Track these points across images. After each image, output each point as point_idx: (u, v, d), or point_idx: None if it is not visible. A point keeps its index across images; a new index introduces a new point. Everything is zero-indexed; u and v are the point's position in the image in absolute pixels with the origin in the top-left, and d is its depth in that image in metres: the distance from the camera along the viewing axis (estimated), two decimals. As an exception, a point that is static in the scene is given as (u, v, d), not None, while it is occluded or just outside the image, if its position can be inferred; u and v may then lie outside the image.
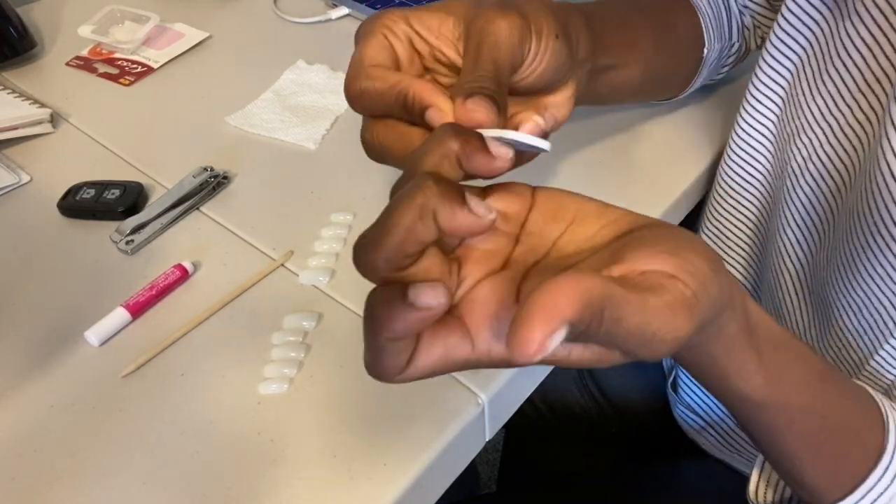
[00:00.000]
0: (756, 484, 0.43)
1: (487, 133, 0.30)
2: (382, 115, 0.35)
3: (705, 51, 0.56)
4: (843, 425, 0.36)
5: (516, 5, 0.35)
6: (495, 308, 0.28)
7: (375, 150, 0.36)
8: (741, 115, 0.53)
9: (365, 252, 0.26)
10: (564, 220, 0.31)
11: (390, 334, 0.26)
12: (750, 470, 0.44)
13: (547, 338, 0.22)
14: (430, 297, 0.26)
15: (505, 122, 0.32)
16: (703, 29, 0.56)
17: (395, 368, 0.27)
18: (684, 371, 0.65)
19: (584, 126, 0.61)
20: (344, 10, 0.77)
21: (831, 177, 0.47)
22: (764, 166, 0.53)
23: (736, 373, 0.31)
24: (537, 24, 0.35)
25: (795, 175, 0.49)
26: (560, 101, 0.38)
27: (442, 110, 0.32)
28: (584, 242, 0.30)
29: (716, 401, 0.64)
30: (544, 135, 0.35)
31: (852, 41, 0.43)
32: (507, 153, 0.29)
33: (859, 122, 0.44)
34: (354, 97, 0.35)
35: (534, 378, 0.48)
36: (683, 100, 0.62)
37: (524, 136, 0.30)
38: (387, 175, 0.57)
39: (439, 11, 0.37)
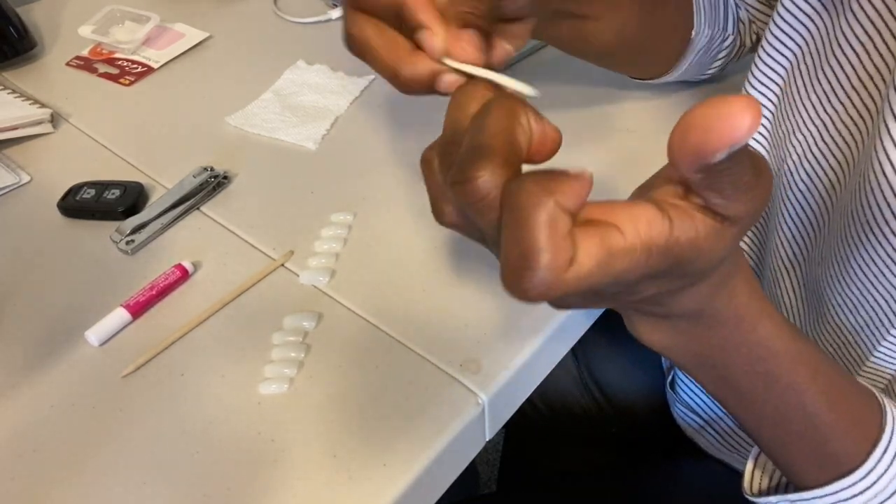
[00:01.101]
0: (751, 473, 0.44)
1: (475, 71, 0.31)
2: (371, 12, 0.34)
3: (693, 33, 0.56)
4: (856, 390, 0.37)
5: None
6: (622, 204, 0.26)
7: (358, 46, 0.35)
8: None
9: (533, 280, 0.24)
10: None
11: (555, 198, 0.23)
12: None
13: (756, 119, 0.22)
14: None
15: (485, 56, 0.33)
16: (695, 11, 0.56)
17: (568, 250, 0.24)
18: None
19: (579, 122, 0.61)
20: (344, 10, 0.77)
21: (825, 174, 0.47)
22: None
23: (767, 318, 0.32)
24: None
25: (791, 172, 0.49)
26: (521, 32, 0.38)
27: (436, 35, 0.32)
28: None
29: (714, 400, 0.64)
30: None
31: (847, 39, 0.43)
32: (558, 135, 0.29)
33: (853, 120, 0.44)
34: None
35: (534, 378, 0.48)
36: (680, 97, 0.62)
37: (512, 82, 0.31)
38: (387, 175, 0.57)
39: None
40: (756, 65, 0.50)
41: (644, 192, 0.28)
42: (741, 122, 0.22)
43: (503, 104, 0.27)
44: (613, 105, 0.63)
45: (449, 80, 0.33)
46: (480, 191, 0.25)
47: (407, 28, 0.33)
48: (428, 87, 0.33)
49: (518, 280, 0.24)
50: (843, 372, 0.37)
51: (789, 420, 0.36)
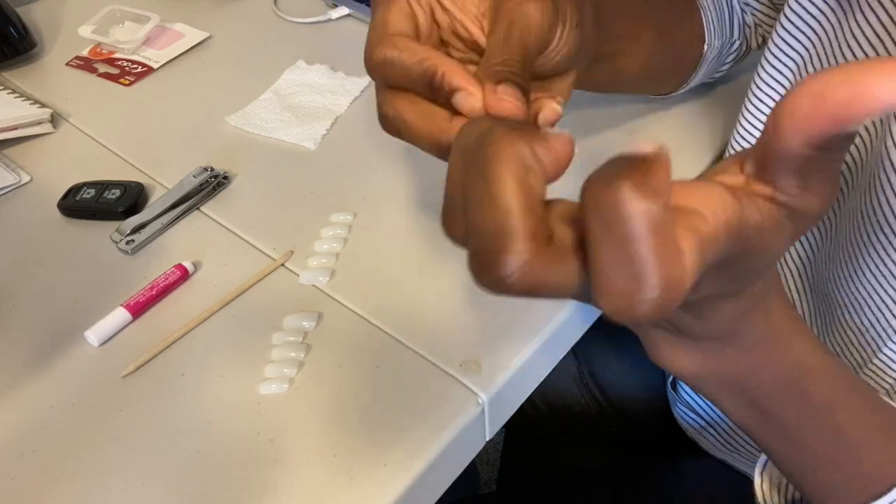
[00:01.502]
0: (760, 487, 0.43)
1: None
2: (401, 88, 0.34)
3: (706, 47, 0.56)
4: (888, 405, 0.35)
5: None
6: (688, 183, 0.23)
7: (393, 125, 0.34)
8: (744, 114, 0.53)
9: (497, 255, 0.20)
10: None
11: (661, 197, 0.19)
12: (750, 469, 0.44)
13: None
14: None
15: (527, 109, 0.32)
16: (705, 26, 0.56)
17: (679, 260, 0.20)
18: None
19: (583, 123, 0.61)
20: (344, 10, 0.77)
21: None
22: None
23: (799, 335, 0.30)
24: (563, 12, 0.35)
25: None
26: (564, 88, 0.38)
27: (472, 95, 0.31)
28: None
29: None
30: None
31: (857, 40, 0.43)
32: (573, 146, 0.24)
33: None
34: (376, 65, 0.33)
35: (534, 378, 0.48)
36: (684, 97, 0.62)
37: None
38: (387, 175, 0.57)
39: None
40: (763, 66, 0.50)
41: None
42: None
43: (504, 155, 0.21)
44: (613, 105, 0.63)
45: None
46: (512, 278, 0.21)
47: (442, 95, 0.32)
48: None
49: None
50: (872, 387, 0.36)
51: (821, 441, 0.33)
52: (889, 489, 0.34)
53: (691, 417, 0.67)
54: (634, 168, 0.20)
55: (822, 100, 0.20)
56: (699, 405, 0.65)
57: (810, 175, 0.23)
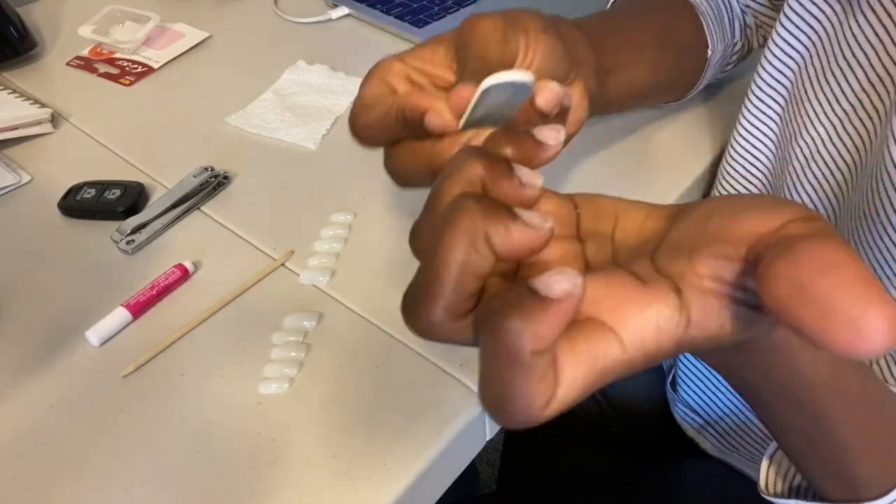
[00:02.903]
0: (766, 472, 0.42)
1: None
2: (395, 142, 0.35)
3: (709, 51, 0.57)
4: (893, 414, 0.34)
5: (499, 11, 0.36)
6: (631, 292, 0.23)
7: (400, 176, 0.36)
8: (743, 114, 0.53)
9: (418, 306, 0.23)
10: (610, 218, 0.28)
11: (537, 343, 0.20)
12: (749, 469, 0.44)
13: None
14: (565, 282, 0.20)
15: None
16: (706, 30, 0.56)
17: (546, 393, 0.21)
18: (683, 369, 0.65)
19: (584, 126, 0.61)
20: (344, 10, 0.77)
21: (833, 175, 0.47)
22: (765, 165, 0.53)
23: (805, 347, 0.28)
24: (523, 23, 0.36)
25: (797, 173, 0.49)
26: (575, 101, 0.39)
27: (437, 111, 0.32)
28: (638, 234, 0.27)
29: (715, 399, 0.64)
30: (564, 122, 0.32)
31: (856, 39, 0.43)
32: (536, 181, 0.25)
33: (861, 121, 0.44)
34: (360, 133, 0.36)
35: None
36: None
37: (506, 75, 0.28)
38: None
39: (429, 43, 0.38)
40: (763, 66, 0.50)
41: (690, 236, 0.24)
42: (875, 337, 0.17)
43: (459, 230, 0.22)
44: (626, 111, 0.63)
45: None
46: (428, 331, 0.23)
47: (419, 127, 0.33)
48: None
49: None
50: (887, 402, 0.34)
51: (816, 443, 0.33)
52: (873, 499, 0.34)
53: (691, 417, 0.67)
54: (532, 306, 0.20)
55: (803, 294, 0.18)
56: (699, 405, 0.65)
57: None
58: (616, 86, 0.48)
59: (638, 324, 0.22)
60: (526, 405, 0.21)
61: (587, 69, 0.41)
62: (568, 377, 0.21)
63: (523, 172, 0.25)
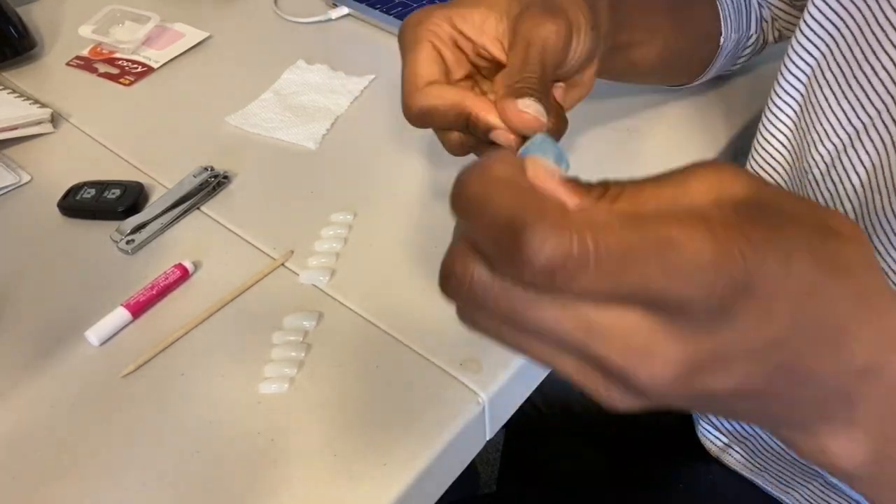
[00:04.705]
0: None
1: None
2: (446, 129, 0.38)
3: (722, 39, 0.57)
4: None
5: (559, 5, 0.37)
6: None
7: (459, 151, 0.39)
8: (763, 124, 0.52)
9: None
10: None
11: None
12: (780, 493, 0.41)
13: None
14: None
15: (546, 121, 0.35)
16: (722, 18, 0.57)
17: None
18: None
19: (579, 122, 0.61)
20: (344, 10, 0.77)
21: (850, 180, 0.46)
22: (781, 177, 0.53)
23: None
24: (577, 21, 0.37)
25: (816, 182, 0.48)
26: (585, 81, 0.41)
27: (505, 130, 0.35)
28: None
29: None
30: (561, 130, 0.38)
31: (881, 46, 0.42)
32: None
33: (885, 125, 0.43)
34: (415, 116, 0.37)
35: (534, 378, 0.48)
36: (698, 89, 0.63)
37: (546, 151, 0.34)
38: (387, 175, 0.57)
39: (480, 7, 0.39)
40: (781, 73, 0.50)
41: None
42: None
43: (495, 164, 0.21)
44: (614, 104, 0.63)
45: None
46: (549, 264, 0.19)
47: (481, 134, 0.37)
48: None
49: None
50: None
51: None
52: None
53: (714, 435, 0.65)
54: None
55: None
56: (725, 421, 0.63)
57: None
58: (624, 61, 0.50)
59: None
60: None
61: (603, 48, 0.43)
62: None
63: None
